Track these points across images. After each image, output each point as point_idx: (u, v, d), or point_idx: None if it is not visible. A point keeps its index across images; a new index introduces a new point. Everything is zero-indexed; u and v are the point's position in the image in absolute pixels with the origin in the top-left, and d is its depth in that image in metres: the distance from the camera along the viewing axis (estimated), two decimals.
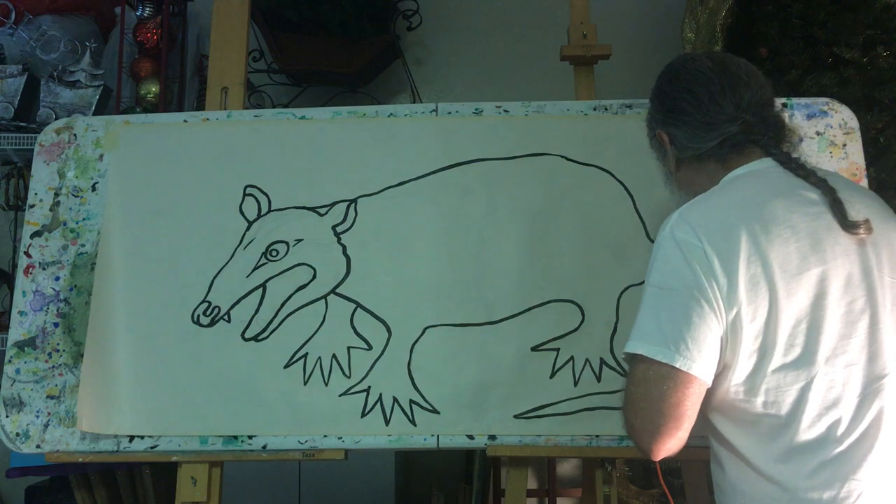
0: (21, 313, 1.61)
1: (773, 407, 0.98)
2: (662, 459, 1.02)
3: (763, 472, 0.99)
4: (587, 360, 1.51)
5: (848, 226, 1.01)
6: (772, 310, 0.97)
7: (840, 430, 0.97)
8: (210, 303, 1.57)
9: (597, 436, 1.48)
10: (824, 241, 1.00)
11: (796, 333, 0.97)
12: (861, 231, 1.01)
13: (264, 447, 1.51)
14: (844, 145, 1.59)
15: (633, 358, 1.01)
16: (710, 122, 1.11)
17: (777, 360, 0.98)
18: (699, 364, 0.96)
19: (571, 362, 1.51)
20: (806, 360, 0.97)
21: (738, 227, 0.99)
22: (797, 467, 0.97)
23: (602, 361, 1.51)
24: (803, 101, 1.63)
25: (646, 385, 0.98)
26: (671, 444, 0.98)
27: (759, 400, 0.99)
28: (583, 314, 1.53)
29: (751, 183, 1.08)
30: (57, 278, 1.62)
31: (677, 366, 0.96)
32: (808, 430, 0.97)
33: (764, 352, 0.98)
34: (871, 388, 0.98)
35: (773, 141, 1.11)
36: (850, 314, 0.99)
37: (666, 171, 1.23)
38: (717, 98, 1.11)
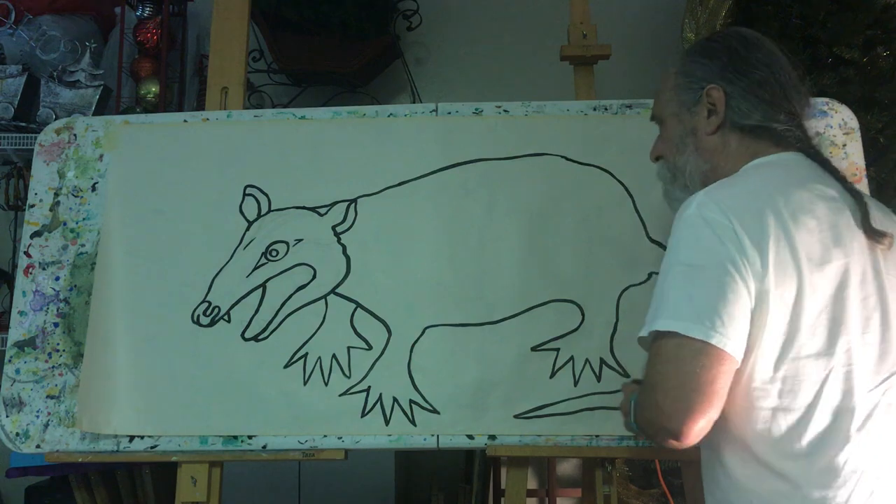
0: (21, 313, 1.60)
1: (789, 398, 0.97)
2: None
3: (774, 468, 0.98)
4: (587, 360, 1.51)
5: (873, 232, 1.03)
6: (798, 296, 0.96)
7: (853, 426, 0.96)
8: (210, 303, 1.57)
9: (597, 436, 1.48)
10: (844, 236, 1.01)
11: (817, 324, 0.97)
12: (885, 242, 1.03)
13: (264, 447, 1.51)
14: (844, 145, 1.59)
15: (662, 336, 0.97)
16: (776, 104, 1.11)
17: (798, 349, 0.97)
18: (733, 341, 0.94)
19: (571, 362, 1.51)
20: (825, 351, 0.97)
21: (767, 211, 0.99)
22: (809, 463, 0.96)
23: (602, 361, 1.51)
24: None
25: (677, 362, 0.94)
26: (703, 423, 0.94)
27: (777, 390, 0.97)
28: (583, 314, 1.53)
29: (776, 172, 1.08)
30: (57, 278, 1.62)
31: (713, 342, 0.93)
32: (820, 424, 0.96)
33: (787, 339, 0.97)
34: (881, 384, 0.98)
35: (807, 141, 1.13)
36: (864, 310, 1.00)
37: (686, 130, 1.18)
38: (786, 88, 1.12)
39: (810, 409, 0.96)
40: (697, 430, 0.93)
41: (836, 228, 1.01)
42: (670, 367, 0.95)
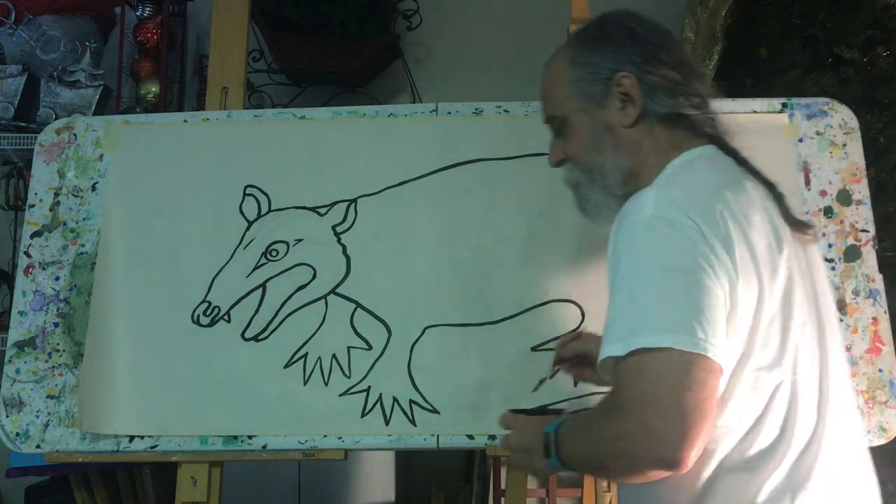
0: (21, 313, 1.60)
1: (740, 412, 0.89)
2: None
3: (716, 486, 0.89)
4: None
5: (799, 224, 0.98)
6: (758, 304, 0.89)
7: (792, 439, 0.90)
8: (210, 303, 1.57)
9: None
10: (782, 235, 0.96)
11: (770, 333, 0.90)
12: (810, 234, 0.98)
13: (264, 447, 1.51)
14: (844, 145, 1.59)
15: (646, 351, 0.83)
16: (687, 87, 1.03)
17: (756, 360, 0.89)
18: (721, 350, 0.84)
19: None
20: (776, 362, 0.90)
21: (724, 211, 0.90)
22: (749, 479, 0.89)
23: None
24: (803, 101, 1.63)
25: (669, 379, 0.81)
26: (700, 446, 0.81)
27: (731, 405, 0.88)
28: (583, 314, 1.53)
29: (710, 167, 1.00)
30: (57, 278, 1.62)
31: (709, 354, 0.82)
32: (766, 438, 0.89)
33: (746, 350, 0.89)
34: (816, 394, 0.93)
35: (717, 130, 1.06)
36: (801, 315, 0.94)
37: (600, 127, 1.05)
38: (693, 69, 1.04)
39: (758, 423, 0.89)
40: (695, 454, 0.81)
41: (776, 228, 0.95)
42: (662, 386, 0.81)
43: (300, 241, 1.59)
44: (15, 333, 1.59)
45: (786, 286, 0.92)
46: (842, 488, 0.93)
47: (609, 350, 0.87)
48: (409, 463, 2.69)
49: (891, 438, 1.45)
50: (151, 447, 1.52)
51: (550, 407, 1.15)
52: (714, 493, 0.89)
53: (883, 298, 1.51)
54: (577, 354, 1.30)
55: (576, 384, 1.38)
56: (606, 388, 1.31)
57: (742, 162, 1.04)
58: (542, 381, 1.21)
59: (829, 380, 0.96)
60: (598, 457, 0.90)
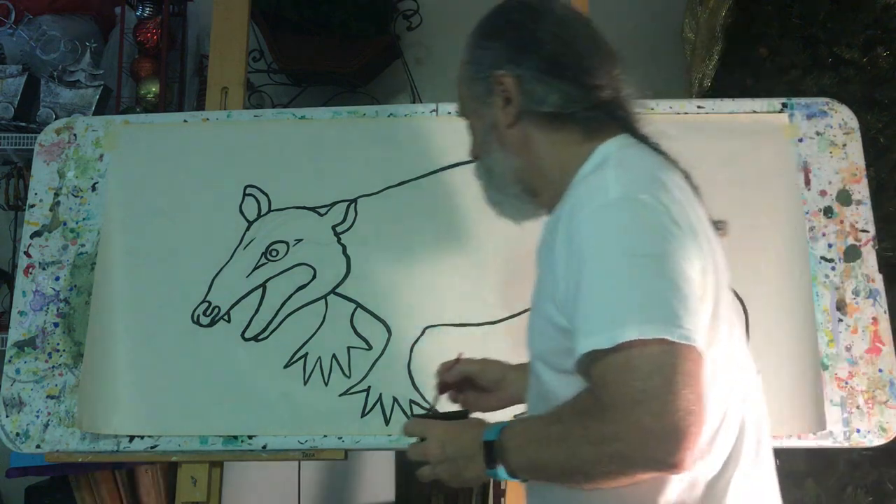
0: (21, 313, 1.61)
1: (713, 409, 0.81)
2: None
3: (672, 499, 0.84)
4: None
5: (714, 223, 0.95)
6: (717, 298, 0.85)
7: (745, 437, 0.88)
8: (210, 303, 1.57)
9: None
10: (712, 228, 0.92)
11: (723, 330, 0.86)
12: (719, 232, 0.95)
13: (264, 447, 1.51)
14: (844, 145, 1.59)
15: (634, 345, 0.74)
16: (576, 80, 0.96)
17: (714, 352, 0.83)
18: (704, 340, 0.78)
19: None
20: (731, 356, 0.87)
21: (682, 198, 0.85)
22: (716, 479, 0.85)
23: None
24: (803, 101, 1.63)
25: (662, 375, 0.73)
26: (697, 447, 0.74)
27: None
28: None
29: (647, 154, 0.93)
30: (57, 278, 1.62)
31: (698, 346, 0.75)
32: (728, 438, 0.86)
33: (709, 339, 0.82)
34: (747, 398, 0.91)
35: (628, 119, 0.99)
36: (731, 308, 0.91)
37: (487, 126, 1.01)
38: (584, 58, 0.97)
39: (723, 422, 0.85)
40: (694, 456, 0.73)
41: (708, 220, 0.91)
42: (655, 382, 0.73)
43: (300, 241, 1.59)
44: (15, 333, 1.59)
45: (725, 281, 0.89)
46: (773, 475, 0.95)
47: (591, 343, 0.77)
48: (409, 463, 2.69)
49: (891, 438, 1.45)
50: (151, 447, 1.52)
51: (454, 411, 1.12)
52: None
53: (883, 298, 1.51)
54: (459, 379, 1.21)
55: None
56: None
57: (658, 150, 0.97)
58: (431, 408, 1.19)
59: (753, 373, 0.96)
60: (574, 462, 0.79)
